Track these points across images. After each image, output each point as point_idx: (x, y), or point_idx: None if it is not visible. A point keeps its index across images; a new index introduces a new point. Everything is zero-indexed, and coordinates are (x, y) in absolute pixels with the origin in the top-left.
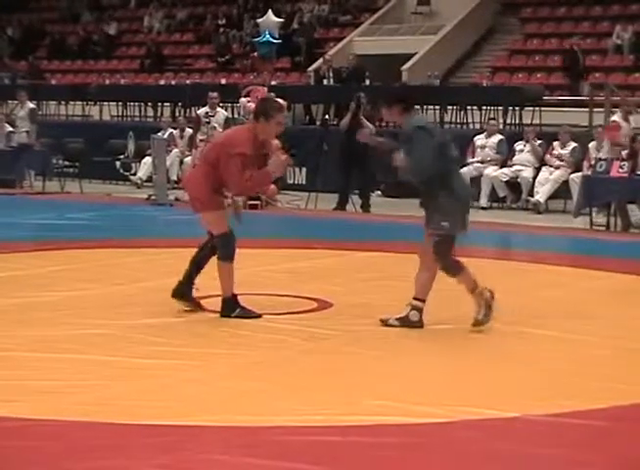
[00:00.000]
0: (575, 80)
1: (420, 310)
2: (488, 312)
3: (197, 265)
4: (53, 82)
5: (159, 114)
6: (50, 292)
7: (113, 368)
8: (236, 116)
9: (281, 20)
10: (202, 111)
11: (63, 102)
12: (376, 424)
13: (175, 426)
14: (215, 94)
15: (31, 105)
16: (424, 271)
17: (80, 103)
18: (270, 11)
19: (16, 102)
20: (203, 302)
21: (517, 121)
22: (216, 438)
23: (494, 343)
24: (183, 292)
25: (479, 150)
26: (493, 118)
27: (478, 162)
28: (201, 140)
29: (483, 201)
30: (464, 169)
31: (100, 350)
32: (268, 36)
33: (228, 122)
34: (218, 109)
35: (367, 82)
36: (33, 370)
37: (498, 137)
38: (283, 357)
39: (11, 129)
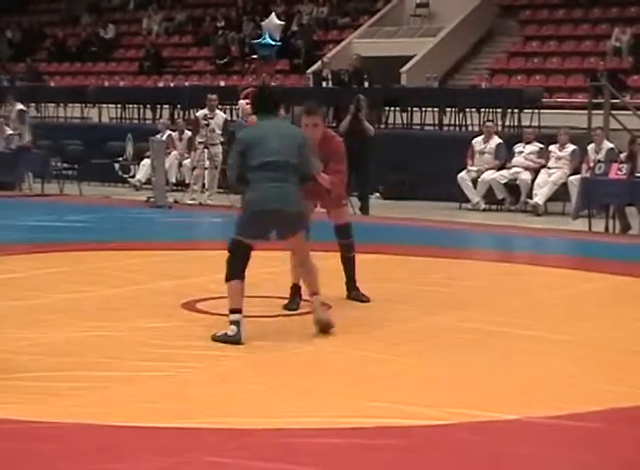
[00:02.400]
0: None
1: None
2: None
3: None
4: (52, 84)
5: (157, 116)
6: (48, 294)
7: (111, 370)
8: (235, 118)
9: (283, 23)
10: (201, 113)
11: (61, 104)
12: (374, 426)
13: (174, 428)
14: (214, 96)
15: (20, 106)
16: (300, 269)
17: (79, 105)
18: (273, 14)
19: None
20: (200, 304)
21: (515, 124)
22: (215, 440)
23: (494, 345)
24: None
25: (478, 155)
26: (491, 120)
27: (476, 170)
28: (199, 142)
29: (478, 202)
30: (463, 175)
31: (98, 352)
32: (268, 39)
33: (227, 125)
34: (217, 111)
35: (366, 84)
36: (31, 372)
37: (497, 141)
38: (281, 359)
39: (11, 132)
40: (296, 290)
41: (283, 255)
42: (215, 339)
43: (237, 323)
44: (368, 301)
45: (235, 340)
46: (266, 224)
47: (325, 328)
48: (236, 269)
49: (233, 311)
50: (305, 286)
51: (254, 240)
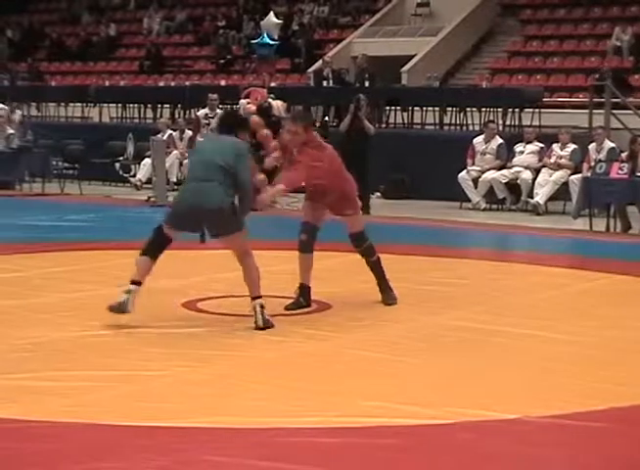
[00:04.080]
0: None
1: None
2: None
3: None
4: (53, 84)
5: (158, 115)
6: (48, 293)
7: (111, 370)
8: None
9: (281, 21)
10: (201, 112)
11: (62, 104)
12: (374, 426)
13: (173, 428)
14: (215, 95)
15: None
16: (243, 271)
17: (80, 104)
18: (272, 12)
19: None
20: (201, 304)
21: (516, 123)
22: (214, 439)
23: (494, 344)
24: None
25: (479, 155)
26: (492, 121)
27: (477, 170)
28: None
29: (478, 201)
30: (463, 175)
31: (98, 351)
32: (266, 38)
33: None
34: (218, 110)
35: (367, 84)
36: (30, 372)
37: (498, 141)
38: (281, 359)
39: (11, 131)
40: (303, 290)
41: (281, 254)
42: (110, 309)
43: (129, 293)
44: (393, 303)
45: (122, 309)
46: (186, 218)
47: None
48: (150, 249)
49: (133, 282)
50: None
51: (177, 230)
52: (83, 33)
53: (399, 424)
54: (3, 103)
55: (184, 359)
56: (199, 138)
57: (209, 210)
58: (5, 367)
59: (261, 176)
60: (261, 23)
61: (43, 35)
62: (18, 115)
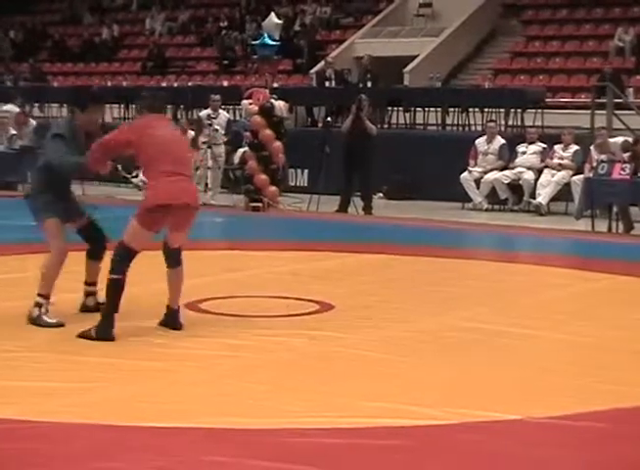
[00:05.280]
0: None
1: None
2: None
3: None
4: (55, 85)
5: None
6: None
7: (112, 370)
8: (238, 118)
9: (281, 22)
10: (204, 113)
11: (65, 104)
12: (378, 426)
13: (174, 428)
14: (218, 96)
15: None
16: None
17: None
18: (273, 13)
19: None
20: (203, 304)
21: (518, 124)
22: (216, 440)
23: (496, 345)
24: None
25: (481, 156)
26: (493, 121)
27: (480, 171)
28: (203, 142)
29: (480, 201)
30: (465, 175)
31: (99, 351)
32: (267, 38)
33: (230, 125)
34: (220, 111)
35: (369, 84)
36: (31, 372)
37: (500, 142)
38: (284, 360)
39: (14, 132)
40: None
41: (284, 255)
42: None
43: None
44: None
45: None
46: None
47: None
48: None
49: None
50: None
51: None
52: (85, 34)
53: (401, 425)
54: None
55: (187, 360)
56: (201, 138)
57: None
58: (6, 367)
59: (263, 176)
60: (263, 23)
61: (45, 36)
62: (32, 124)
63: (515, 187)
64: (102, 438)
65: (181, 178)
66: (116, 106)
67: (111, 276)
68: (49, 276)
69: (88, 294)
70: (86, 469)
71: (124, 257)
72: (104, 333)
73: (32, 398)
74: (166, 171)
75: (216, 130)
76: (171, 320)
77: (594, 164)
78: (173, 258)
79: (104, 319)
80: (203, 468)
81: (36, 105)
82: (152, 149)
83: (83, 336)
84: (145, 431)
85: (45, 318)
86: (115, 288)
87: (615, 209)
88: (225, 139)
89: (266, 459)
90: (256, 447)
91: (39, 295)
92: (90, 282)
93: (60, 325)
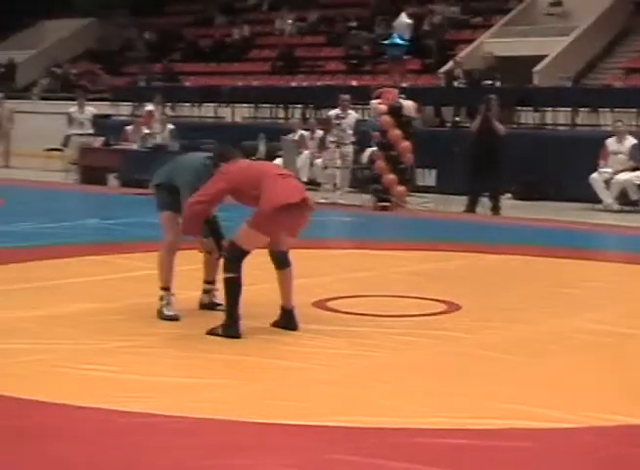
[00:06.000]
0: None
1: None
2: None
3: None
4: (187, 84)
5: (289, 115)
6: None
7: (242, 368)
8: (367, 117)
9: (412, 22)
10: (333, 112)
11: (196, 104)
12: (502, 428)
13: (303, 426)
14: (347, 96)
15: (92, 109)
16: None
17: (213, 105)
18: (404, 13)
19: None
20: (331, 303)
21: None
22: (344, 439)
23: (623, 347)
24: None
25: (611, 156)
26: (620, 120)
27: (610, 172)
28: (331, 142)
29: (610, 203)
30: (595, 176)
31: (228, 349)
32: (397, 38)
33: (358, 124)
34: (349, 110)
35: (498, 84)
36: (165, 367)
37: (631, 142)
38: (412, 359)
39: (147, 131)
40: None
41: (410, 255)
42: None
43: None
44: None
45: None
46: None
47: None
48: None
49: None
50: None
51: None
52: (217, 35)
53: (527, 427)
54: (139, 102)
55: (313, 359)
56: (329, 138)
57: None
58: (142, 362)
59: (391, 176)
60: (393, 23)
61: (179, 37)
62: (169, 126)
63: None
64: (233, 434)
65: (291, 177)
66: (246, 106)
67: (226, 275)
68: (162, 268)
69: (204, 291)
70: (216, 465)
71: (237, 256)
72: (230, 331)
73: (165, 393)
74: (273, 176)
75: (345, 130)
76: (287, 321)
77: None
78: (282, 260)
79: (228, 317)
80: (331, 467)
81: (169, 105)
82: (251, 178)
83: (212, 333)
84: (279, 428)
85: (164, 311)
86: (232, 286)
87: None
88: (353, 139)
89: (392, 459)
90: (382, 447)
91: (160, 288)
92: (206, 280)
93: (175, 319)
